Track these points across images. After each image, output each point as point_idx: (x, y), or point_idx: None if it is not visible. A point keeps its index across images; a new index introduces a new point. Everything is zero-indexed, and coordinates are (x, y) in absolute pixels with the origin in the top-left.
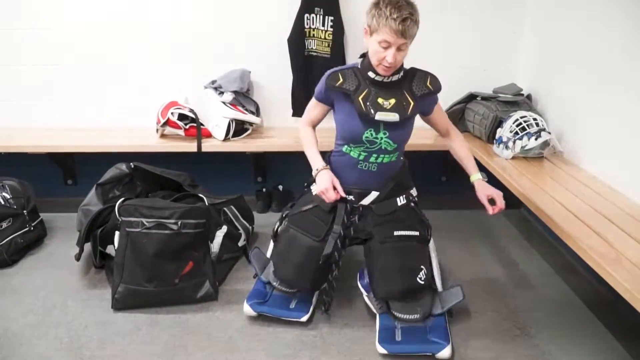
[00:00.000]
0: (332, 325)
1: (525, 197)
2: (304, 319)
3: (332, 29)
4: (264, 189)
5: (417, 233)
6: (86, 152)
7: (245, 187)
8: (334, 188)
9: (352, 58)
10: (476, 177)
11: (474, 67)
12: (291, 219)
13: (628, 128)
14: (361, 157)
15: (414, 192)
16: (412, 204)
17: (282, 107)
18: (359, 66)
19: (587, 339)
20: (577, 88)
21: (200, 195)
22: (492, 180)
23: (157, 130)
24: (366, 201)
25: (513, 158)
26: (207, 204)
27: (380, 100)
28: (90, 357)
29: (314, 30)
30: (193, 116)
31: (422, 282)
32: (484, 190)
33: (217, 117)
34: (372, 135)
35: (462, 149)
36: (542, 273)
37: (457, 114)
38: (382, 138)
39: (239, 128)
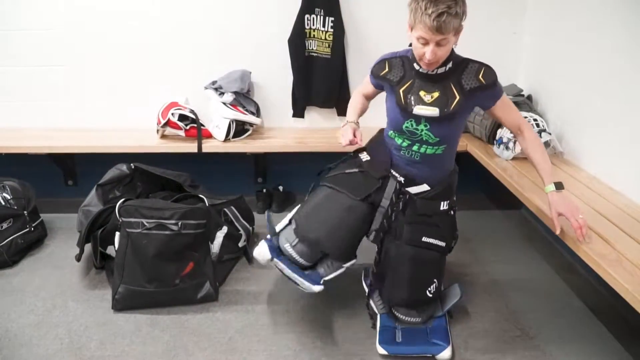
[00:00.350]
0: (332, 326)
1: (526, 198)
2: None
3: (332, 30)
4: (264, 190)
5: (443, 244)
6: (87, 153)
7: (245, 187)
8: (354, 136)
9: (353, 58)
10: (549, 189)
11: None
12: (329, 179)
13: (628, 129)
14: (404, 145)
15: (454, 199)
16: (452, 212)
17: (282, 107)
18: (409, 55)
19: (587, 339)
20: (577, 89)
21: (201, 195)
22: (493, 180)
23: (158, 130)
24: (414, 190)
25: (513, 159)
26: (207, 204)
27: (422, 93)
28: (90, 358)
29: (314, 30)
30: (193, 117)
31: (431, 296)
32: (555, 206)
33: (217, 117)
34: (412, 126)
35: (535, 152)
36: (543, 274)
37: None
38: (422, 130)
39: (240, 129)
